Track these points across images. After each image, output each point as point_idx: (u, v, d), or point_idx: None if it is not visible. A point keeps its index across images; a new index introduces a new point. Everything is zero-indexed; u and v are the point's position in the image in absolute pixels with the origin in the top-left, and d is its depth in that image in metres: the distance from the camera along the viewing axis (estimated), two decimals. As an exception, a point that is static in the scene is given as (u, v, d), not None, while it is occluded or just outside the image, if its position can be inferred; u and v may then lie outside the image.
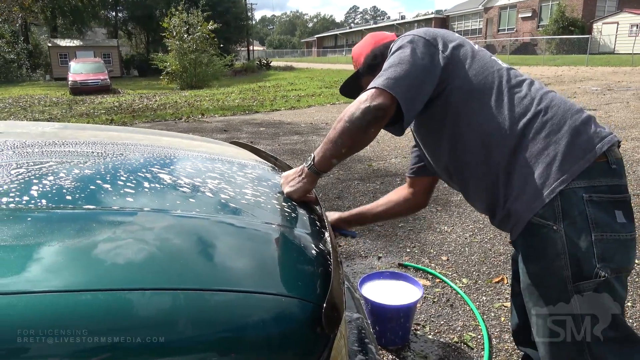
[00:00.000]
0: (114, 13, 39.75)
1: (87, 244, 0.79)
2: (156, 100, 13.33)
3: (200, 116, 9.58)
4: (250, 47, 40.88)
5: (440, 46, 1.20)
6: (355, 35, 55.36)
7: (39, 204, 0.87)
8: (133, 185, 1.01)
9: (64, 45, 32.93)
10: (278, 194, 1.21)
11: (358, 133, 1.13)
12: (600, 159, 1.09)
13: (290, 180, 1.23)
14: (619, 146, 1.16)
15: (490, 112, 1.16)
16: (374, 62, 1.31)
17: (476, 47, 1.27)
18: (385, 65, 1.16)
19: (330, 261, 0.93)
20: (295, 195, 1.20)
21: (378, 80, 1.13)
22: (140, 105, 12.13)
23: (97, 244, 0.79)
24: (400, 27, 44.37)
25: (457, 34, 1.29)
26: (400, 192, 1.61)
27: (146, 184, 1.04)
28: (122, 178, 1.04)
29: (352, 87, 1.38)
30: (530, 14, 31.64)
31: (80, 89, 18.75)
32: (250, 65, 31.11)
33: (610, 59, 21.09)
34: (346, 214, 1.64)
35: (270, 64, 31.54)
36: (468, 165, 1.23)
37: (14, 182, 0.93)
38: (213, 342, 0.72)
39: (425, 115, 1.24)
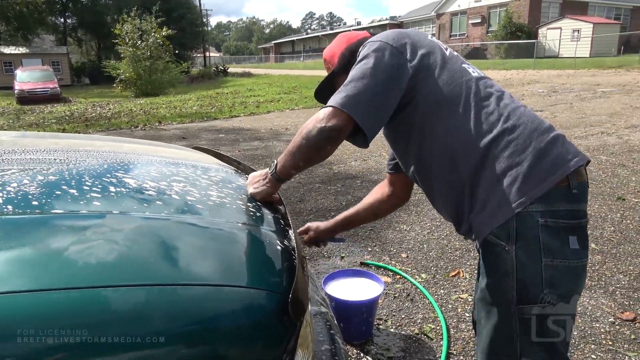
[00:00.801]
0: (62, 19, 38.37)
1: (59, 245, 0.81)
2: (110, 109, 12.98)
3: (157, 124, 9.41)
4: (207, 54, 40.40)
5: (408, 54, 1.16)
6: (312, 40, 55.76)
7: (5, 209, 0.88)
8: (99, 190, 1.03)
9: (8, 52, 31.53)
10: (243, 195, 1.25)
11: (313, 151, 1.14)
12: (562, 183, 1.07)
13: (255, 182, 1.26)
14: (587, 166, 1.14)
15: (456, 125, 1.14)
16: (351, 59, 1.25)
17: (448, 52, 1.23)
18: (348, 77, 1.14)
19: (295, 256, 0.98)
20: (258, 197, 1.24)
21: (336, 98, 1.11)
22: (94, 114, 11.78)
23: (70, 245, 0.82)
24: (356, 33, 44.99)
25: (429, 37, 1.25)
26: (380, 190, 1.59)
27: (112, 188, 1.06)
28: (87, 183, 1.06)
29: (327, 90, 1.33)
30: (479, 20, 32.89)
31: (28, 99, 17.99)
32: (207, 72, 30.76)
33: (555, 62, 22.19)
34: (331, 223, 1.66)
35: (228, 70, 31.29)
36: (435, 176, 1.21)
37: (-23, 190, 0.94)
38: (187, 333, 0.75)
39: (393, 123, 1.22)
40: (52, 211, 0.91)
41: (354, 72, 1.14)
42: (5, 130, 9.65)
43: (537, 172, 1.08)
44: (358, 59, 1.17)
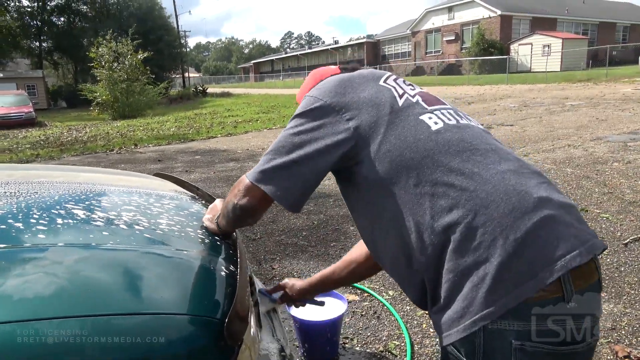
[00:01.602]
0: (37, 43, 38.05)
1: (-5, 281, 0.83)
2: (86, 132, 12.88)
3: (133, 147, 9.36)
4: (186, 74, 40.43)
5: (346, 113, 0.98)
6: (291, 60, 56.31)
7: (-53, 246, 0.90)
8: (46, 222, 1.06)
9: (-18, 77, 31.07)
10: (194, 223, 1.28)
11: (234, 223, 1.12)
12: (551, 292, 0.81)
13: (209, 215, 1.27)
14: (597, 265, 0.87)
15: (407, 205, 0.92)
16: None
17: (402, 100, 1.00)
18: (271, 145, 1.01)
19: (237, 282, 1.02)
20: (209, 229, 1.24)
21: (254, 170, 1.01)
22: (69, 138, 11.67)
23: (6, 279, 0.84)
24: (335, 52, 45.70)
25: (381, 82, 1.05)
26: (360, 249, 1.39)
27: (59, 220, 1.09)
28: (35, 216, 1.08)
29: None
30: (453, 37, 33.74)
31: (2, 123, 17.71)
32: (186, 93, 30.77)
33: (527, 77, 22.84)
34: (307, 283, 1.55)
35: (207, 91, 31.32)
36: (390, 267, 1.05)
37: None
38: (121, 362, 0.78)
39: (340, 184, 1.08)
40: (-5, 246, 0.93)
41: (279, 138, 1.02)
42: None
43: (511, 275, 0.82)
44: (292, 117, 1.04)
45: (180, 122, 14.07)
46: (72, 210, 1.16)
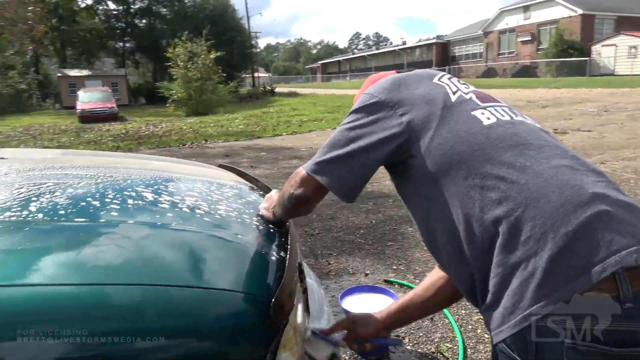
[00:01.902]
0: (121, 43, 40.79)
1: (74, 249, 0.94)
2: (162, 127, 13.65)
3: (203, 142, 9.82)
4: (255, 74, 41.68)
5: (399, 108, 1.00)
6: (358, 60, 56.30)
7: (36, 217, 1.02)
8: (119, 202, 1.17)
9: (73, 75, 33.84)
10: (251, 210, 1.35)
11: (289, 212, 1.17)
12: (606, 290, 0.78)
13: (265, 204, 1.33)
14: None
15: (458, 198, 0.93)
16: None
17: (455, 97, 1.01)
18: (328, 139, 1.06)
19: (286, 266, 1.07)
20: (264, 217, 1.30)
21: (310, 162, 1.06)
22: (147, 132, 12.43)
23: (83, 249, 0.95)
24: (402, 53, 45.14)
25: (434, 80, 1.07)
26: (437, 273, 1.29)
27: (130, 201, 1.19)
28: (109, 196, 1.20)
29: None
30: (529, 38, 32.20)
31: (89, 117, 19.22)
32: (255, 92, 31.69)
33: (611, 80, 21.34)
34: (382, 317, 1.35)
35: (275, 90, 32.08)
36: (443, 255, 1.04)
37: (15, 200, 1.09)
38: (175, 329, 0.86)
39: (393, 178, 1.11)
40: (75, 220, 1.05)
41: (335, 132, 1.06)
42: (67, 146, 10.36)
43: (562, 269, 0.80)
44: (348, 113, 1.08)
45: (248, 119, 14.54)
46: (142, 193, 1.27)
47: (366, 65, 51.86)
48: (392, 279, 2.82)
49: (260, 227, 1.25)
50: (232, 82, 23.67)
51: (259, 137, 10.25)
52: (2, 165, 1.42)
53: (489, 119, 0.97)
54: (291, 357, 1.01)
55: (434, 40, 43.09)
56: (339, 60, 62.51)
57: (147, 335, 0.83)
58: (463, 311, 2.46)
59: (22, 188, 1.18)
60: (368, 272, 2.94)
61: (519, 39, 33.13)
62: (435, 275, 1.30)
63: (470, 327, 2.31)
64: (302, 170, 1.07)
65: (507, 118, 0.99)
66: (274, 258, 1.09)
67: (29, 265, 0.88)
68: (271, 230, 1.27)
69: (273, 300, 0.92)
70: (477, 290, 0.95)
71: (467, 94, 1.04)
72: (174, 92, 20.68)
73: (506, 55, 34.36)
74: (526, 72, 30.36)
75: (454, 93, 1.03)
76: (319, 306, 1.45)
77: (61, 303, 0.81)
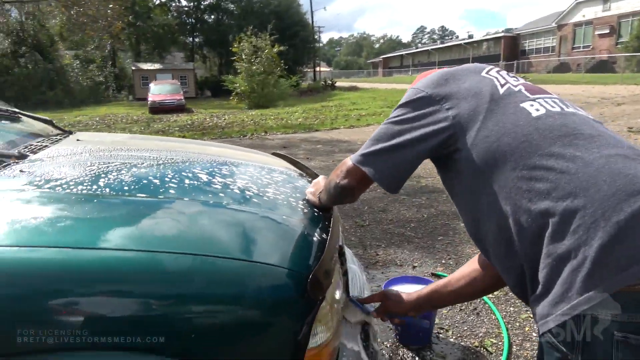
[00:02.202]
0: (191, 38, 42.48)
1: (136, 220, 1.06)
2: (225, 119, 14.15)
3: (263, 134, 10.10)
4: (317, 69, 41.99)
5: (446, 102, 1.01)
6: (421, 55, 55.14)
7: (104, 191, 1.15)
8: (176, 181, 1.28)
9: (145, 68, 35.70)
10: (297, 195, 1.43)
11: (334, 200, 1.23)
12: None
13: (312, 189, 1.40)
14: None
15: (505, 189, 0.92)
16: None
17: (503, 89, 1.00)
18: (374, 133, 1.09)
19: (326, 247, 1.13)
20: (310, 201, 1.37)
21: (357, 153, 1.10)
22: (211, 124, 12.94)
23: (142, 220, 1.06)
24: (468, 47, 43.71)
25: (483, 73, 1.06)
26: (478, 260, 1.29)
27: (187, 181, 1.30)
28: (169, 176, 1.32)
29: None
30: (608, 31, 30.09)
31: (158, 109, 20.26)
32: (316, 86, 31.94)
33: (700, 76, 19.55)
34: (413, 297, 1.41)
35: (335, 85, 32.19)
36: (490, 248, 1.03)
37: (87, 176, 1.23)
38: (219, 297, 0.94)
39: (439, 171, 1.12)
40: (138, 195, 1.17)
41: (381, 126, 1.09)
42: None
43: (613, 259, 0.78)
44: (395, 108, 1.10)
45: (307, 113, 14.74)
46: (198, 174, 1.38)
47: (429, 60, 50.71)
48: (439, 272, 2.81)
49: (305, 210, 1.32)
50: (293, 76, 24.00)
51: (316, 130, 10.39)
52: (77, 146, 1.58)
53: (537, 110, 0.95)
54: (326, 332, 1.07)
55: (502, 34, 41.34)
56: (401, 55, 61.56)
57: (194, 300, 0.93)
58: (512, 308, 2.42)
59: (93, 166, 1.32)
60: (416, 264, 2.95)
61: (597, 32, 31.04)
62: (472, 266, 1.30)
63: (517, 324, 2.27)
64: (349, 161, 1.11)
65: (557, 109, 0.97)
66: (315, 239, 1.15)
67: (95, 232, 1.00)
68: (315, 213, 1.33)
69: (311, 276, 0.98)
70: (527, 281, 0.93)
71: (516, 86, 1.02)
72: (237, 85, 21.31)
73: (581, 49, 32.34)
74: (603, 67, 28.43)
75: (502, 85, 1.02)
76: (360, 291, 1.50)
77: (121, 266, 0.92)
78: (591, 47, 31.59)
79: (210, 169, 1.48)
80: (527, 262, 0.92)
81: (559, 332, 0.84)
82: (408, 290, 2.10)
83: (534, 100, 0.98)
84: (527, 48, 38.55)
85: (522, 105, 0.97)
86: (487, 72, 1.07)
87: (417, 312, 1.40)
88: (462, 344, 2.13)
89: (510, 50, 38.87)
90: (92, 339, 0.87)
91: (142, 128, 12.71)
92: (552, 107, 0.97)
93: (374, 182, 1.10)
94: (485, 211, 0.99)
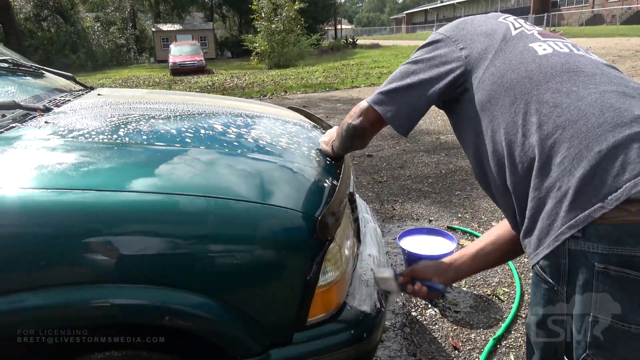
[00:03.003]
0: (210, -3, 41.82)
1: (154, 166, 1.11)
2: (245, 80, 14.10)
3: (283, 93, 10.06)
4: (338, 26, 40.98)
5: (460, 43, 1.04)
6: (446, 9, 53.16)
7: (124, 140, 1.21)
8: (192, 131, 1.33)
9: (165, 29, 35.48)
10: (310, 144, 1.46)
11: (348, 142, 1.26)
12: None
13: (325, 138, 1.43)
14: None
15: (504, 122, 0.94)
16: None
17: (515, 32, 1.02)
18: (391, 75, 1.12)
19: (336, 192, 1.17)
20: (323, 150, 1.41)
21: (373, 94, 1.13)
22: (231, 84, 12.93)
23: (160, 166, 1.11)
24: (496, 0, 41.84)
25: (499, 19, 1.08)
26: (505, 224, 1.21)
27: (202, 131, 1.35)
28: (185, 126, 1.36)
29: None
30: (647, -22, 28.33)
31: (179, 70, 20.28)
32: (337, 44, 31.31)
33: None
34: (439, 263, 1.28)
35: (357, 42, 31.50)
36: (492, 188, 1.05)
37: (107, 126, 1.29)
38: (232, 237, 1.00)
39: (452, 118, 1.13)
40: (156, 143, 1.22)
41: (399, 68, 1.11)
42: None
43: (593, 187, 0.79)
44: (413, 53, 1.12)
45: (327, 72, 14.55)
46: (213, 125, 1.43)
47: (455, 15, 48.84)
48: (455, 226, 2.85)
49: (318, 159, 1.36)
50: (314, 35, 23.54)
51: (336, 89, 10.29)
52: (98, 100, 1.64)
53: (545, 50, 0.96)
54: (335, 271, 1.13)
55: (533, -16, 39.31)
56: (425, 10, 59.45)
57: (209, 240, 0.99)
58: (525, 259, 2.45)
59: (113, 117, 1.38)
60: (432, 218, 2.98)
61: (634, -20, 29.28)
62: (497, 231, 1.23)
63: (531, 274, 2.30)
64: (364, 102, 1.15)
65: (565, 50, 0.97)
66: (325, 184, 1.20)
67: (116, 177, 1.05)
68: (327, 162, 1.37)
69: (319, 218, 1.03)
70: (518, 217, 0.95)
71: (529, 30, 1.03)
72: (257, 44, 21.06)
73: (617, 0, 30.64)
74: (639, 19, 26.98)
75: (515, 29, 1.03)
76: (370, 237, 1.55)
77: (140, 207, 0.98)
78: (628, -4, 29.88)
79: (225, 120, 1.52)
80: (517, 199, 0.94)
81: (546, 265, 0.87)
82: (424, 242, 2.16)
83: (544, 42, 0.99)
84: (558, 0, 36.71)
85: (530, 45, 0.98)
86: (504, 18, 1.09)
87: (441, 279, 1.26)
88: (475, 292, 2.18)
89: (541, 2, 37.06)
90: (115, 274, 0.94)
91: (164, 89, 12.79)
92: (561, 48, 0.98)
93: (386, 124, 1.13)
94: (486, 150, 1.00)
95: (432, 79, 1.04)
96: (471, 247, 1.25)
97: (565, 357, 0.92)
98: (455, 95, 1.05)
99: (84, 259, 0.94)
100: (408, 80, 1.06)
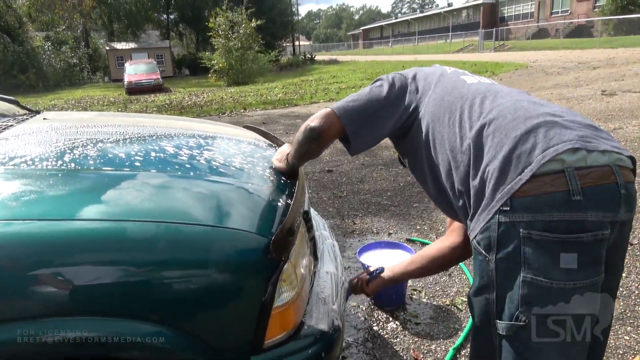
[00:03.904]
0: (165, 15, 41.36)
1: (100, 192, 1.08)
2: (204, 97, 13.96)
3: (242, 110, 10.02)
4: (296, 43, 41.36)
5: (413, 84, 1.28)
6: (401, 25, 54.65)
7: (69, 166, 1.17)
8: (142, 154, 1.30)
9: (120, 48, 34.79)
10: (264, 164, 1.46)
11: (303, 145, 1.27)
12: (558, 186, 0.92)
13: (278, 157, 1.44)
14: (614, 171, 0.94)
15: (446, 135, 1.14)
16: None
17: (450, 70, 1.31)
18: (363, 91, 1.27)
19: (289, 211, 1.17)
20: (278, 169, 1.41)
21: (339, 103, 1.24)
22: (189, 102, 12.77)
23: (108, 192, 1.09)
24: (448, 16, 43.43)
25: (437, 66, 1.36)
26: (446, 240, 1.54)
27: (153, 154, 1.33)
28: (135, 149, 1.34)
29: None
30: (585, -5, 30.13)
31: (135, 89, 19.86)
32: (296, 60, 31.56)
33: (675, 38, 19.78)
34: (387, 275, 1.75)
35: (315, 58, 31.85)
36: (454, 203, 1.19)
37: (52, 152, 1.24)
38: (184, 262, 0.98)
39: (400, 149, 1.34)
40: (104, 168, 1.19)
41: (369, 90, 1.27)
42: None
43: (512, 166, 0.97)
44: (373, 81, 1.32)
45: (287, 88, 14.62)
46: (165, 147, 1.40)
47: (409, 30, 50.28)
48: (413, 238, 2.90)
49: (271, 178, 1.36)
50: (272, 51, 23.65)
51: (296, 105, 10.34)
52: (43, 124, 1.58)
53: (472, 81, 1.23)
54: (291, 291, 1.12)
55: (481, 1, 41.09)
56: (381, 26, 60.91)
57: (160, 266, 0.97)
58: (483, 268, 2.51)
59: (58, 142, 1.33)
60: (391, 231, 3.02)
61: (574, -4, 31.07)
62: (438, 246, 1.56)
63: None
64: (328, 108, 1.24)
65: (488, 82, 1.23)
66: (279, 204, 1.20)
67: (59, 205, 1.02)
68: (282, 181, 1.37)
69: (273, 238, 1.03)
70: (469, 211, 1.09)
71: (460, 70, 1.32)
72: (215, 62, 20.94)
73: (560, 15, 32.41)
74: (580, 32, 28.58)
75: (451, 70, 1.32)
76: (328, 254, 1.56)
77: (86, 235, 0.95)
78: (569, 11, 31.66)
79: (177, 142, 1.50)
80: (467, 197, 1.10)
81: (480, 238, 1.03)
82: (383, 256, 2.18)
83: (471, 76, 1.27)
84: (506, 15, 38.46)
85: (462, 77, 1.26)
86: (441, 66, 1.36)
87: (394, 283, 1.78)
88: (435, 303, 2.22)
89: (490, 17, 38.75)
90: (63, 307, 0.91)
91: (120, 109, 12.49)
92: (485, 81, 1.25)
93: (340, 136, 1.24)
94: (439, 164, 1.18)
95: (394, 108, 1.24)
96: (417, 254, 1.60)
97: (497, 321, 1.04)
98: (409, 124, 1.25)
99: (29, 293, 0.90)
100: (371, 102, 1.24)
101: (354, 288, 1.79)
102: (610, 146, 0.97)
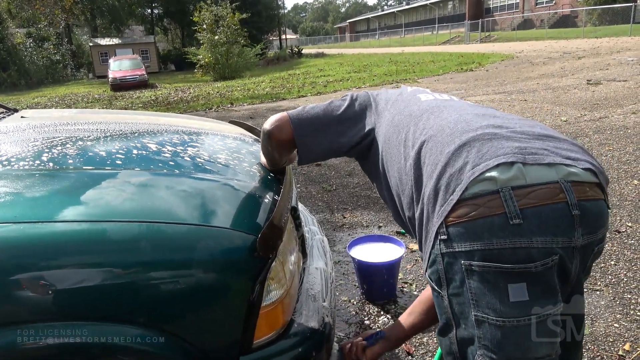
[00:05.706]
0: (149, 10, 40.84)
1: (80, 192, 1.05)
2: (190, 93, 13.83)
3: (229, 105, 9.93)
4: (283, 36, 41.12)
5: (374, 105, 1.21)
6: (387, 17, 54.61)
7: (47, 166, 1.13)
8: (124, 152, 1.26)
9: (104, 44, 34.29)
10: (252, 160, 1.43)
11: (265, 147, 1.26)
12: (493, 210, 0.79)
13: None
14: (563, 188, 0.81)
15: (394, 158, 1.08)
16: None
17: (410, 89, 1.24)
18: (324, 104, 1.22)
19: (276, 207, 1.14)
20: (265, 165, 1.38)
21: (297, 111, 1.20)
22: (175, 98, 12.63)
23: (87, 192, 1.05)
24: (434, 7, 43.46)
25: (403, 87, 1.29)
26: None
27: (135, 151, 1.29)
28: (116, 147, 1.30)
29: None
30: (569, -16, 30.32)
31: (120, 85, 19.60)
32: (282, 54, 31.40)
33: (657, 27, 20.00)
34: (391, 338, 1.40)
35: (302, 52, 31.69)
36: (397, 212, 1.15)
37: (29, 152, 1.20)
38: (168, 262, 0.95)
39: (364, 166, 1.27)
40: (84, 167, 1.15)
41: (332, 104, 1.22)
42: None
43: (445, 183, 0.87)
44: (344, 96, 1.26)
45: (274, 82, 14.53)
46: (147, 144, 1.37)
47: (396, 22, 50.26)
48: (403, 231, 2.88)
49: (259, 174, 1.33)
50: (258, 45, 23.48)
51: (283, 99, 10.27)
52: (21, 123, 1.54)
53: (427, 98, 1.14)
54: (280, 289, 1.10)
55: (467, -7, 41.13)
56: (367, 18, 60.81)
57: (143, 267, 0.93)
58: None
59: (36, 142, 1.29)
60: (381, 224, 3.01)
61: (559, -14, 31.27)
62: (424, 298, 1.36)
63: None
64: (286, 113, 1.20)
65: (445, 97, 1.15)
66: (266, 200, 1.17)
67: (35, 207, 0.98)
68: (269, 177, 1.34)
69: (259, 235, 1.00)
70: (418, 235, 0.99)
71: (423, 89, 1.23)
72: (200, 57, 20.74)
73: (544, 5, 32.59)
74: (565, 22, 28.79)
75: (412, 88, 1.24)
76: (317, 250, 1.53)
77: (64, 237, 0.91)
78: (554, 2, 31.85)
79: (160, 139, 1.47)
80: (413, 215, 1.01)
81: (430, 273, 0.92)
82: (373, 249, 2.17)
83: (430, 94, 1.19)
84: (491, 6, 38.59)
85: (418, 95, 1.18)
86: (405, 86, 1.30)
87: (399, 345, 1.50)
88: (425, 295, 2.21)
89: (476, 8, 38.83)
90: (45, 312, 0.87)
91: (104, 106, 12.32)
92: (441, 96, 1.16)
93: (290, 141, 1.18)
94: (391, 183, 1.10)
95: (349, 130, 1.18)
96: (406, 318, 1.40)
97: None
98: (366, 144, 1.18)
99: (10, 298, 0.87)
100: (328, 116, 1.18)
101: (347, 355, 1.39)
102: (563, 158, 0.84)
